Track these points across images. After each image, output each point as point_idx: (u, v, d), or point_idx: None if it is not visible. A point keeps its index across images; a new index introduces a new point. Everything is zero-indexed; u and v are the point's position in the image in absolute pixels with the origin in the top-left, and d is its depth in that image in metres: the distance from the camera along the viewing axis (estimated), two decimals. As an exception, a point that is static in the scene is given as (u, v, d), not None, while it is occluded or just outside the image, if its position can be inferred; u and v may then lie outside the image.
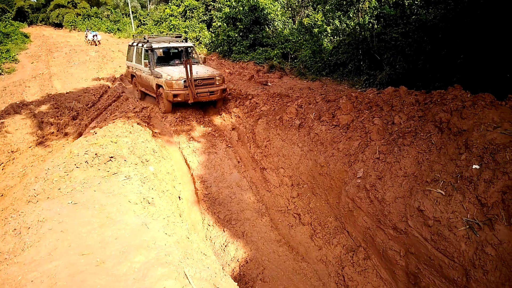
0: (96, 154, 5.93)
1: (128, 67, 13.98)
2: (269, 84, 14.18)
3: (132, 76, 13.66)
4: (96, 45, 28.50)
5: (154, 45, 12.01)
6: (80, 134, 9.35)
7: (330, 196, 6.72)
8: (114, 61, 22.25)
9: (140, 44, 12.61)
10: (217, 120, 11.47)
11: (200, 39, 28.06)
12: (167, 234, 3.76)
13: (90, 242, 3.67)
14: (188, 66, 10.28)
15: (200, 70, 11.39)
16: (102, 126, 8.06)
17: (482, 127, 5.08)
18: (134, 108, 10.71)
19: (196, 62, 12.68)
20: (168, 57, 12.61)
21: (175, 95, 10.67)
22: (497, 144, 4.77)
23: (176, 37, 13.52)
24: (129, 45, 13.79)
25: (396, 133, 6.08)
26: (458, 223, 4.62)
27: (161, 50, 12.14)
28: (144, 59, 12.06)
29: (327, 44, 19.12)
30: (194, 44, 14.92)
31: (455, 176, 4.90)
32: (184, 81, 10.62)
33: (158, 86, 11.31)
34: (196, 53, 12.89)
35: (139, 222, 3.96)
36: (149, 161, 6.53)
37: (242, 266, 5.83)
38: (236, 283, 3.73)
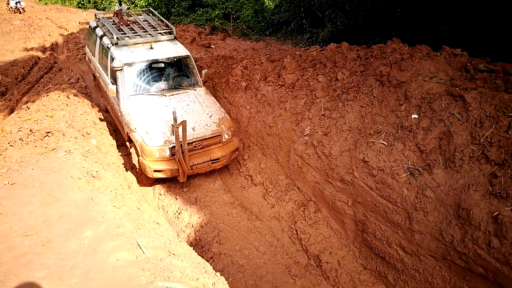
0: (31, 130, 5.54)
1: (89, 60, 9.38)
2: (212, 46, 13.82)
3: (95, 76, 9.08)
4: (20, 12, 26.08)
5: (126, 58, 7.00)
6: (11, 111, 8.66)
7: (280, 156, 6.82)
8: (42, 29, 20.51)
9: (106, 40, 7.70)
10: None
11: (135, 1, 26.49)
12: (115, 206, 3.65)
13: (33, 222, 3.47)
14: (179, 129, 5.93)
15: (198, 119, 6.66)
16: (35, 100, 7.49)
17: (420, 78, 5.30)
18: (69, 79, 10.02)
19: (191, 85, 7.55)
20: (149, 78, 7.35)
21: (156, 170, 6.29)
22: (434, 94, 5.02)
23: (151, 27, 8.23)
24: (90, 28, 9.02)
25: (340, 89, 6.20)
26: (400, 170, 4.88)
27: (138, 69, 7.11)
28: (109, 76, 7.44)
29: (268, 2, 18.81)
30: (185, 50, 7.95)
31: (396, 127, 5.12)
32: (172, 147, 6.22)
33: (130, 139, 6.73)
34: (194, 69, 7.65)
35: (84, 197, 3.79)
36: (90, 134, 6.21)
37: (197, 231, 5.86)
38: (192, 248, 3.74)
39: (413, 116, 5.01)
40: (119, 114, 6.84)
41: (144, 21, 8.56)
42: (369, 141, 5.26)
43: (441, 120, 4.75)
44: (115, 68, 6.17)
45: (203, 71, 7.64)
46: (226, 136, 6.74)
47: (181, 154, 6.09)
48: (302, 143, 6.18)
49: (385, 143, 5.10)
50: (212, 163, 6.60)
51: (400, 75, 5.51)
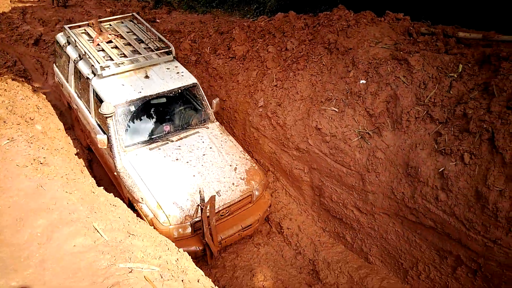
0: (-35, 119, 5.11)
1: (60, 83, 7.14)
2: (158, 20, 13.31)
3: (70, 105, 6.93)
4: None
5: (117, 97, 5.33)
6: None
7: (236, 129, 6.81)
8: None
9: (85, 68, 5.84)
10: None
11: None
12: (68, 192, 3.50)
13: (-22, 216, 3.27)
14: (208, 216, 4.60)
15: (221, 176, 5.16)
16: (-33, 86, 6.91)
17: (366, 44, 5.42)
18: (5, 63, 9.32)
19: (201, 121, 5.93)
20: (148, 119, 5.76)
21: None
22: (379, 59, 5.16)
23: (140, 42, 6.42)
24: (57, 43, 6.86)
25: (290, 58, 6.22)
26: (352, 135, 5.04)
27: (133, 110, 5.45)
28: (93, 116, 5.81)
29: (213, -27, 18.26)
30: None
31: (346, 93, 5.25)
32: (195, 222, 4.75)
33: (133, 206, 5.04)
34: (204, 100, 5.96)
35: (33, 185, 3.61)
36: (34, 119, 5.85)
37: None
38: (153, 227, 3.70)
39: (361, 81, 5.15)
40: (115, 173, 5.18)
41: (128, 32, 6.58)
42: (321, 109, 5.36)
43: (388, 84, 4.92)
44: (105, 115, 4.62)
45: (214, 101, 5.88)
46: (257, 193, 5.25)
47: (209, 236, 4.64)
48: (257, 115, 6.20)
49: (336, 110, 5.23)
50: (242, 230, 5.14)
51: (347, 42, 5.60)
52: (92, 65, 5.55)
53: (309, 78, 5.75)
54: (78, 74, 6.08)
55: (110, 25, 6.83)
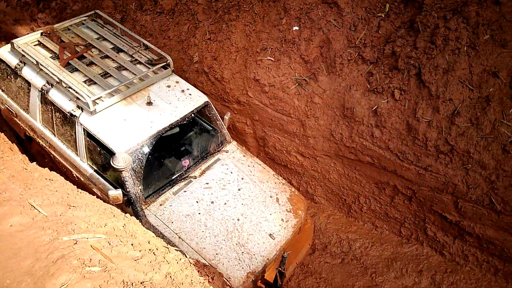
0: None
1: (9, 111, 5.24)
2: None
3: (30, 138, 5.24)
4: None
5: (125, 140, 4.15)
6: None
7: (172, 88, 6.62)
8: None
9: (64, 101, 4.40)
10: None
11: None
12: (-4, 172, 3.27)
13: None
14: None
15: (267, 213, 4.38)
16: None
17: (295, -11, 5.34)
18: None
19: (218, 145, 4.91)
20: (164, 157, 4.79)
21: None
22: (310, 3, 5.13)
23: (120, 52, 4.98)
24: (4, 63, 4.92)
25: (221, 9, 6.01)
26: (289, 83, 5.09)
27: (147, 151, 4.27)
28: (91, 166, 4.52)
29: None
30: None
31: (280, 41, 5.22)
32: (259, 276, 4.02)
33: None
34: (217, 119, 4.94)
35: (-46, 169, 3.32)
36: None
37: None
38: (95, 196, 3.59)
39: (294, 28, 5.13)
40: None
41: (98, 38, 5.06)
42: (257, 60, 5.31)
43: (320, 29, 4.95)
44: (119, 169, 3.76)
45: (226, 117, 4.99)
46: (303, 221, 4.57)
47: None
48: (193, 71, 6.03)
49: (272, 59, 5.21)
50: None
51: (277, -12, 5.49)
52: (77, 98, 4.19)
53: (242, 28, 5.62)
54: (50, 106, 4.55)
55: (69, 29, 5.11)
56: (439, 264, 4.71)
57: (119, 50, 4.95)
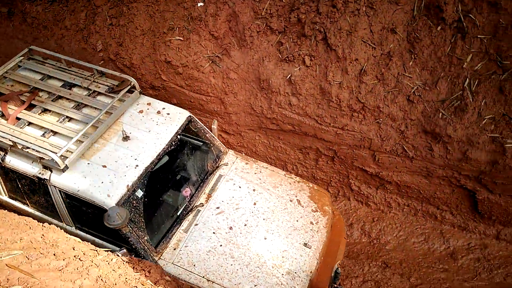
0: None
1: None
2: None
3: None
4: None
5: (114, 192, 3.41)
6: None
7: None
8: None
9: (25, 164, 3.58)
10: None
11: None
12: None
13: None
14: None
15: (291, 219, 3.90)
16: None
17: (194, -37, 5.17)
18: None
19: (215, 159, 4.29)
20: (162, 194, 4.10)
21: None
22: (212, -23, 5.01)
23: (70, 86, 4.23)
24: None
25: (119, -9, 5.66)
26: (202, 61, 4.98)
27: (141, 192, 3.64)
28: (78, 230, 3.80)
29: None
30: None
31: (187, 19, 5.06)
32: None
33: None
34: (206, 132, 4.30)
35: None
36: None
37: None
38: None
39: (198, 4, 4.99)
40: None
41: (45, 79, 4.28)
42: (166, 41, 5.11)
43: (225, 3, 4.86)
44: (116, 227, 3.19)
45: (213, 126, 4.32)
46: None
47: None
48: (99, 61, 5.66)
49: (181, 39, 5.05)
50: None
51: (176, -36, 5.28)
52: (41, 158, 3.45)
53: (145, 9, 5.35)
54: (12, 175, 3.75)
55: (5, 77, 4.24)
56: (366, 215, 5.05)
57: (71, 85, 4.18)
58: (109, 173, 3.50)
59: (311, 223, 3.89)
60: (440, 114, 4.16)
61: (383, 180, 4.78)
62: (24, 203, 3.93)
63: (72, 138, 3.54)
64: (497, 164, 4.06)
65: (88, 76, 4.27)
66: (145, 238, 3.47)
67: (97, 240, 3.63)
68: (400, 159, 4.52)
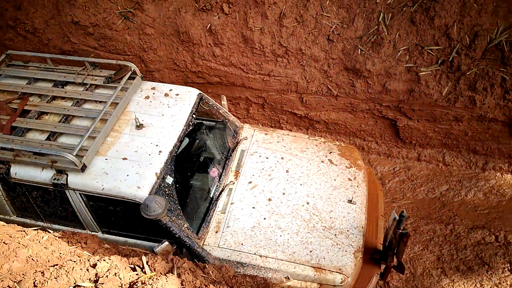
0: None
1: None
2: None
3: None
4: None
5: (142, 184, 3.11)
6: None
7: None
8: None
9: (30, 172, 3.18)
10: None
11: None
12: None
13: None
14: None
15: (328, 180, 3.80)
16: None
17: None
18: None
19: (233, 135, 4.08)
20: (188, 177, 3.80)
21: None
22: None
23: (63, 84, 3.81)
24: None
25: None
26: (114, 18, 4.63)
27: (171, 178, 3.40)
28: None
29: None
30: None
31: (89, -28, 4.61)
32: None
33: None
34: (219, 109, 4.04)
35: None
36: None
37: None
38: None
39: (100, -46, 4.55)
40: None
41: (32, 82, 3.85)
42: (70, 0, 4.66)
43: (129, -49, 4.48)
44: (157, 218, 2.96)
45: (223, 101, 4.11)
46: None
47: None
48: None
49: (86, -5, 4.62)
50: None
51: None
52: (53, 162, 3.10)
53: (39, -35, 4.79)
54: (19, 189, 3.34)
55: None
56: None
57: (63, 84, 3.80)
58: (132, 164, 3.23)
59: (349, 179, 3.83)
60: (359, 50, 4.30)
61: (312, 120, 4.93)
62: (38, 219, 3.54)
63: (81, 135, 3.20)
64: (414, 92, 4.34)
65: (80, 70, 3.87)
66: (185, 225, 3.28)
67: (129, 240, 3.40)
68: (326, 98, 4.67)
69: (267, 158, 3.94)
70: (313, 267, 3.23)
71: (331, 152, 4.02)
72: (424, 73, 4.23)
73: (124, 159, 3.25)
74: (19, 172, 3.19)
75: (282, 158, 3.93)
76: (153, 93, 3.82)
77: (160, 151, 3.35)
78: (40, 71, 3.91)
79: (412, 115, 4.54)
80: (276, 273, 3.22)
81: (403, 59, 4.27)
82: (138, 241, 3.41)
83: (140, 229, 3.35)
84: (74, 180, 3.12)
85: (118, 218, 3.34)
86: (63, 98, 3.70)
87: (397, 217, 2.92)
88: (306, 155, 3.98)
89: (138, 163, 3.24)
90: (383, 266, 3.45)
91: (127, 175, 3.14)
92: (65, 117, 3.50)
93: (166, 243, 3.14)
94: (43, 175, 3.15)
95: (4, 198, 3.40)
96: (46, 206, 3.39)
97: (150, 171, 3.18)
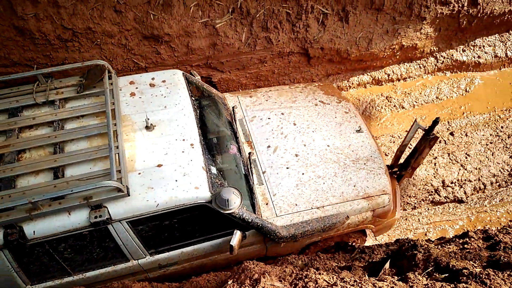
0: None
1: None
2: None
3: None
4: None
5: (190, 179, 2.58)
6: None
7: None
8: None
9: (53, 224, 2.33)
10: None
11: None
12: None
13: None
14: None
15: (343, 121, 3.91)
16: None
17: None
18: None
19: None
20: (222, 157, 3.16)
21: None
22: None
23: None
24: None
25: None
26: None
27: (216, 173, 2.83)
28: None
29: None
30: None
31: None
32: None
33: None
34: (200, 81, 3.54)
35: None
36: None
37: None
38: None
39: None
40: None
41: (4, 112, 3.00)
42: None
43: None
44: (240, 207, 2.85)
45: (196, 76, 3.88)
46: None
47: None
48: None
49: None
50: None
51: None
52: (86, 199, 2.59)
53: None
54: (40, 249, 2.70)
55: None
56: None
57: (19, 110, 3.11)
58: (173, 168, 2.94)
59: (346, 112, 4.11)
60: (151, 15, 4.14)
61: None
62: (64, 275, 3.00)
63: (95, 158, 2.84)
64: (217, 45, 4.45)
65: (36, 87, 3.18)
66: (250, 209, 3.23)
67: (185, 250, 3.17)
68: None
69: (269, 118, 3.98)
70: (363, 198, 3.50)
71: (314, 92, 4.29)
72: (220, 24, 4.34)
73: (159, 166, 2.94)
74: (38, 229, 2.64)
75: (282, 113, 4.03)
76: (136, 88, 3.44)
77: (192, 144, 3.13)
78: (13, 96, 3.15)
79: (223, 68, 4.69)
80: (338, 217, 3.38)
81: (197, 15, 4.29)
82: (197, 246, 3.21)
83: (198, 232, 3.16)
84: (118, 209, 2.75)
85: (171, 230, 3.06)
86: (31, 127, 3.05)
87: (422, 126, 3.46)
88: (299, 103, 4.15)
89: (177, 164, 2.97)
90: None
91: (176, 181, 2.88)
92: (56, 146, 2.93)
93: (239, 232, 3.02)
94: (73, 220, 2.68)
95: (14, 270, 2.76)
96: (78, 255, 2.93)
97: (196, 168, 2.98)
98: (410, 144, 4.07)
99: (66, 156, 2.88)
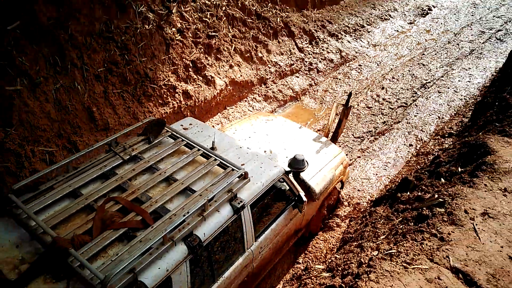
0: None
1: None
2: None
3: None
4: None
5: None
6: None
7: None
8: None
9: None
10: None
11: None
12: None
13: None
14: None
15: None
16: None
17: None
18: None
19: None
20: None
21: None
22: None
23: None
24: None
25: None
26: None
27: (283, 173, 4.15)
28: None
29: None
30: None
31: None
32: None
33: None
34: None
35: None
36: None
37: None
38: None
39: None
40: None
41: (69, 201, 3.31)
42: None
43: None
44: (298, 169, 4.31)
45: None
46: None
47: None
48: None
49: None
50: None
51: None
52: (229, 191, 3.38)
53: None
54: (203, 256, 3.19)
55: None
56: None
57: (110, 172, 3.52)
58: (261, 160, 4.05)
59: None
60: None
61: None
62: (210, 283, 3.38)
63: (201, 175, 3.50)
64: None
65: (112, 151, 3.70)
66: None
67: (272, 227, 3.96)
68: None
69: (249, 137, 5.14)
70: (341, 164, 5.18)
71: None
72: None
73: (261, 166, 3.94)
74: (205, 230, 3.09)
75: (251, 135, 5.21)
76: (181, 125, 4.52)
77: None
78: (66, 181, 3.31)
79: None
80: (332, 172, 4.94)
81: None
82: (277, 221, 4.01)
83: (276, 203, 4.05)
84: (244, 195, 3.46)
85: (265, 209, 3.92)
86: (134, 177, 3.49)
87: (340, 102, 5.36)
88: (249, 122, 5.55)
89: (262, 160, 4.06)
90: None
91: (262, 163, 4.00)
92: (169, 178, 3.49)
93: (303, 192, 4.27)
94: (223, 214, 3.23)
95: (187, 283, 3.00)
96: (221, 252, 3.35)
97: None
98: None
99: (183, 180, 3.40)
